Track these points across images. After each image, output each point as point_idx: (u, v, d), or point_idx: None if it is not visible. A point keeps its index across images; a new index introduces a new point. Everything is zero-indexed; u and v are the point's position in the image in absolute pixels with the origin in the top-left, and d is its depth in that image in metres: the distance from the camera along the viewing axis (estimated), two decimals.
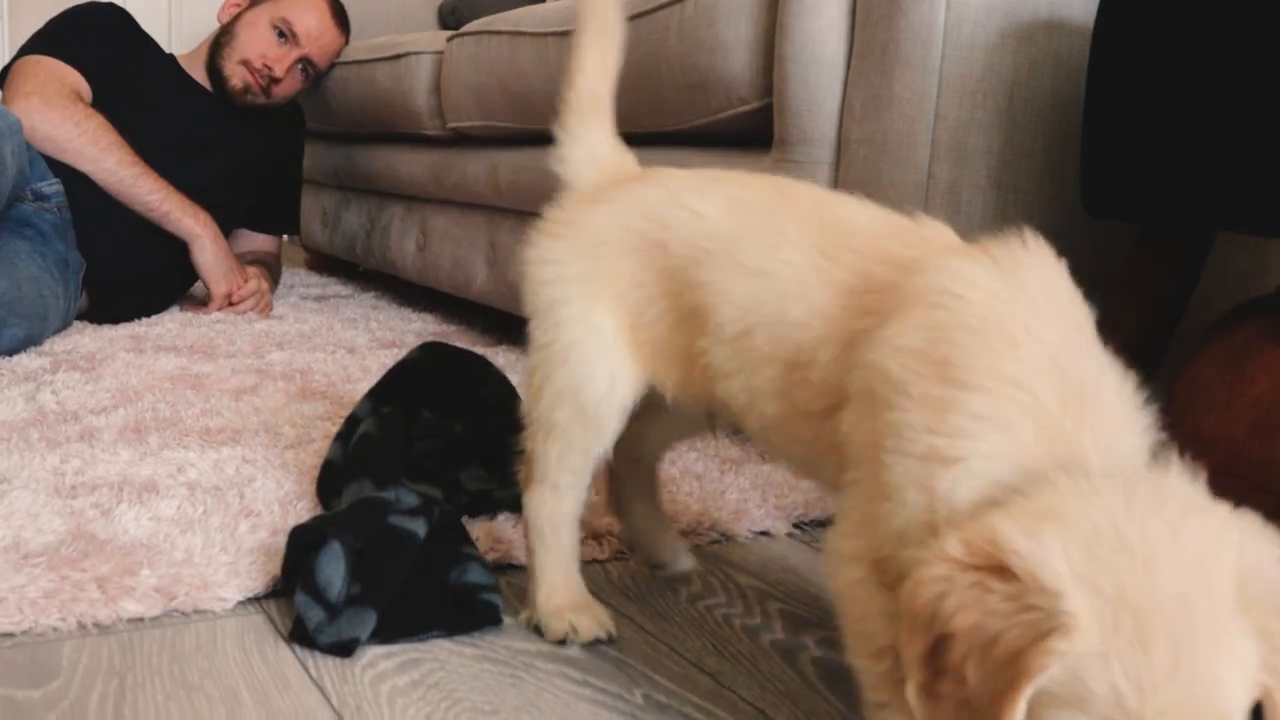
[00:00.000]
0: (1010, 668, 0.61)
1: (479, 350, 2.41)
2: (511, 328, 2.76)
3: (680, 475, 1.55)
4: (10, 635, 1.06)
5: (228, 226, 2.85)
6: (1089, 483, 0.66)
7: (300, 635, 1.06)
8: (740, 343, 0.90)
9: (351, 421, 1.43)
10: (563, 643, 1.07)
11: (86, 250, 2.44)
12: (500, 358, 2.38)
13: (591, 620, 1.07)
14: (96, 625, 1.08)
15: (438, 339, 2.55)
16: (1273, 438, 0.95)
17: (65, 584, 1.11)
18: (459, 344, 2.43)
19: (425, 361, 1.52)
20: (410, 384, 1.48)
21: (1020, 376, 0.71)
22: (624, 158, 1.13)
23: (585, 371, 1.00)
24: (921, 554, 0.67)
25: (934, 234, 0.87)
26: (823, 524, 1.46)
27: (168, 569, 1.16)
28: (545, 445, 1.04)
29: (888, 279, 0.82)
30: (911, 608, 0.66)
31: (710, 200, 0.97)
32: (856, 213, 0.91)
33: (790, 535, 1.43)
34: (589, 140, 1.12)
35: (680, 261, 0.96)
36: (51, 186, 2.38)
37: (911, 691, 0.66)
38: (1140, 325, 1.25)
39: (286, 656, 1.05)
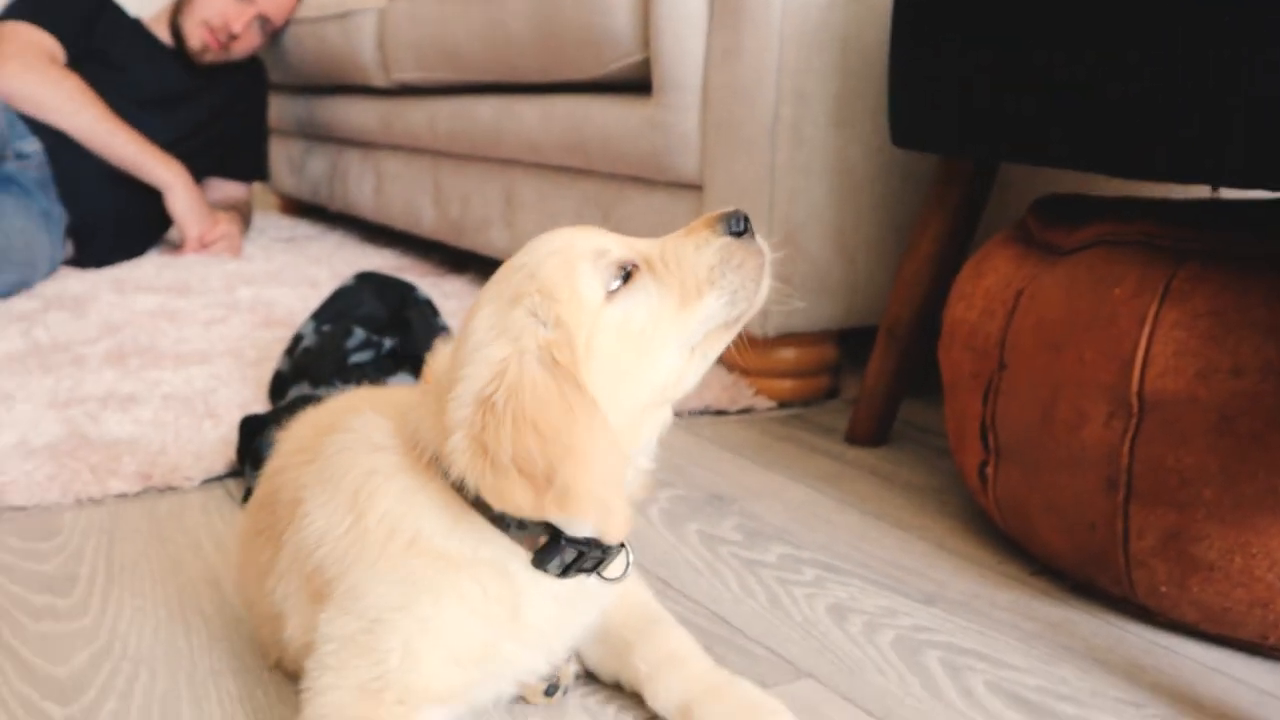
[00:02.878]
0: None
1: (429, 280, 2.69)
2: (457, 260, 3.02)
3: None
4: (23, 508, 1.34)
5: (199, 175, 3.10)
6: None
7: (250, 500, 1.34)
8: None
9: (296, 339, 1.70)
10: None
11: (68, 202, 2.69)
12: (446, 285, 2.65)
13: None
14: (90, 499, 1.37)
15: (386, 271, 2.82)
16: (993, 317, 1.22)
17: (63, 470, 1.39)
18: (412, 276, 2.70)
19: (359, 287, 1.79)
20: (346, 306, 1.74)
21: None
22: None
23: None
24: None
25: None
26: (696, 413, 1.74)
27: (146, 457, 1.44)
28: None
29: None
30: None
31: None
32: None
33: None
34: None
35: None
36: (31, 146, 2.63)
37: (542, 508, 0.77)
38: (939, 240, 1.52)
39: (240, 517, 1.33)
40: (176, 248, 3.04)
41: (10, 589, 1.13)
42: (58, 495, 1.35)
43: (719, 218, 0.85)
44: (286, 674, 0.97)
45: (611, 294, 0.81)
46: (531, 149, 2.25)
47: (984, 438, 1.22)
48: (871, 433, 1.62)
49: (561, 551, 0.83)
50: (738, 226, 0.84)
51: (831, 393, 1.85)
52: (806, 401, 1.81)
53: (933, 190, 1.55)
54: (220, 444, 1.49)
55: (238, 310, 2.32)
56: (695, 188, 1.84)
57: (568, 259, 0.81)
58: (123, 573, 1.17)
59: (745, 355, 1.82)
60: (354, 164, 3.26)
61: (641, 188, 1.98)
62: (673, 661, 0.90)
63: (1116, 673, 1.02)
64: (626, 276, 0.82)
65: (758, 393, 1.79)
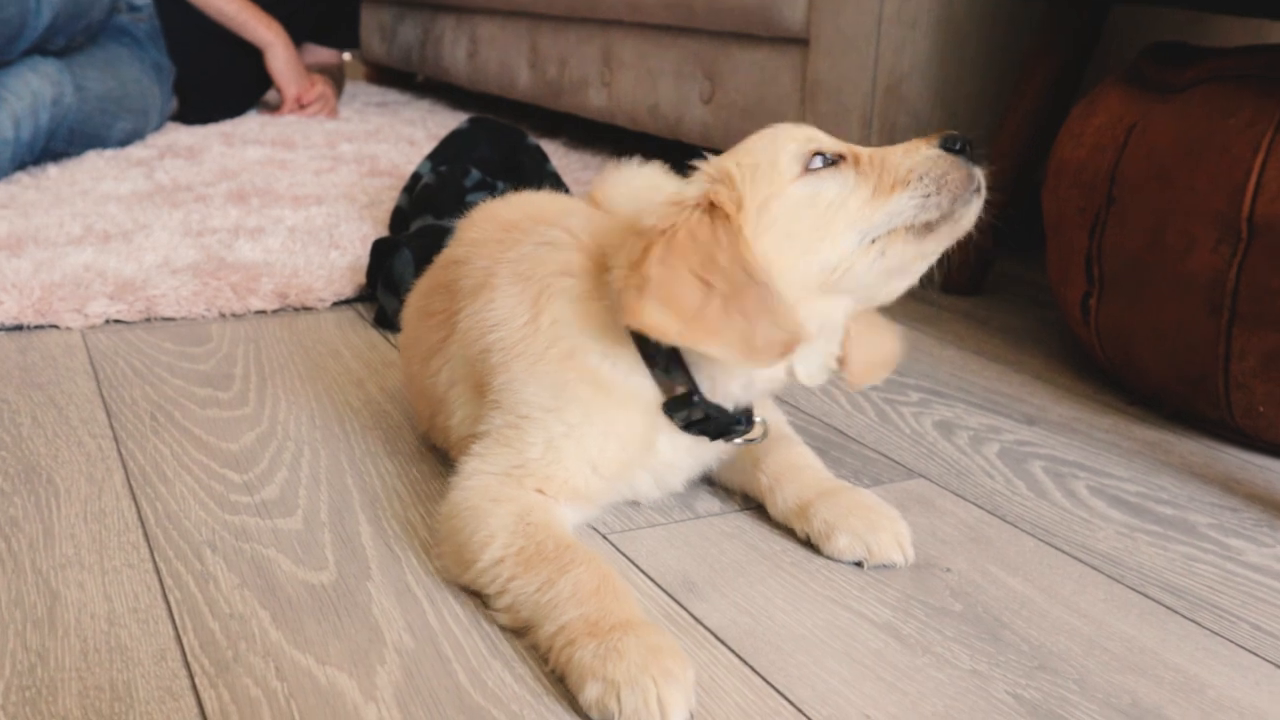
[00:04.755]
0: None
1: None
2: (552, 123, 3.06)
3: None
4: (173, 319, 1.44)
5: (295, 40, 3.15)
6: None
7: (382, 320, 1.43)
8: None
9: (415, 178, 1.77)
10: None
11: (174, 57, 2.76)
12: (543, 147, 2.70)
13: None
14: (233, 314, 1.46)
15: None
16: (1103, 152, 1.26)
17: (207, 288, 1.48)
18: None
19: (474, 131, 1.85)
20: (462, 148, 1.81)
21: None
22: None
23: None
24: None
25: None
26: None
27: (281, 279, 1.53)
28: None
29: None
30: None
31: None
32: None
33: None
34: None
35: None
36: None
37: (690, 337, 0.82)
38: (1042, 92, 1.55)
39: (373, 334, 1.41)
40: (274, 109, 3.12)
41: (173, 382, 1.23)
42: (203, 309, 1.45)
43: (939, 133, 0.88)
44: (437, 451, 1.05)
45: (809, 171, 0.86)
46: (633, 8, 2.28)
47: (1089, 270, 1.26)
48: (967, 282, 1.67)
49: (690, 408, 0.89)
50: (953, 144, 0.86)
51: None
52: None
53: (1037, 40, 1.57)
54: (348, 270, 1.58)
55: (343, 162, 2.40)
56: (800, 42, 1.86)
57: (775, 139, 0.88)
58: (273, 373, 1.27)
59: None
60: (448, 29, 3.30)
61: (745, 44, 2.01)
62: (792, 470, 0.96)
63: (1213, 484, 1.07)
64: (831, 165, 0.86)
65: None
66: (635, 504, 0.98)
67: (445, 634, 0.78)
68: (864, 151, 0.89)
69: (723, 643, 0.78)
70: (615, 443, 0.89)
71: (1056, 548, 0.93)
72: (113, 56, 2.49)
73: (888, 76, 1.73)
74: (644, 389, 0.89)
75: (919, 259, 0.90)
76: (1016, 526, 0.97)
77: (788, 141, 0.87)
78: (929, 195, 0.85)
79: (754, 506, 0.98)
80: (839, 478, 1.04)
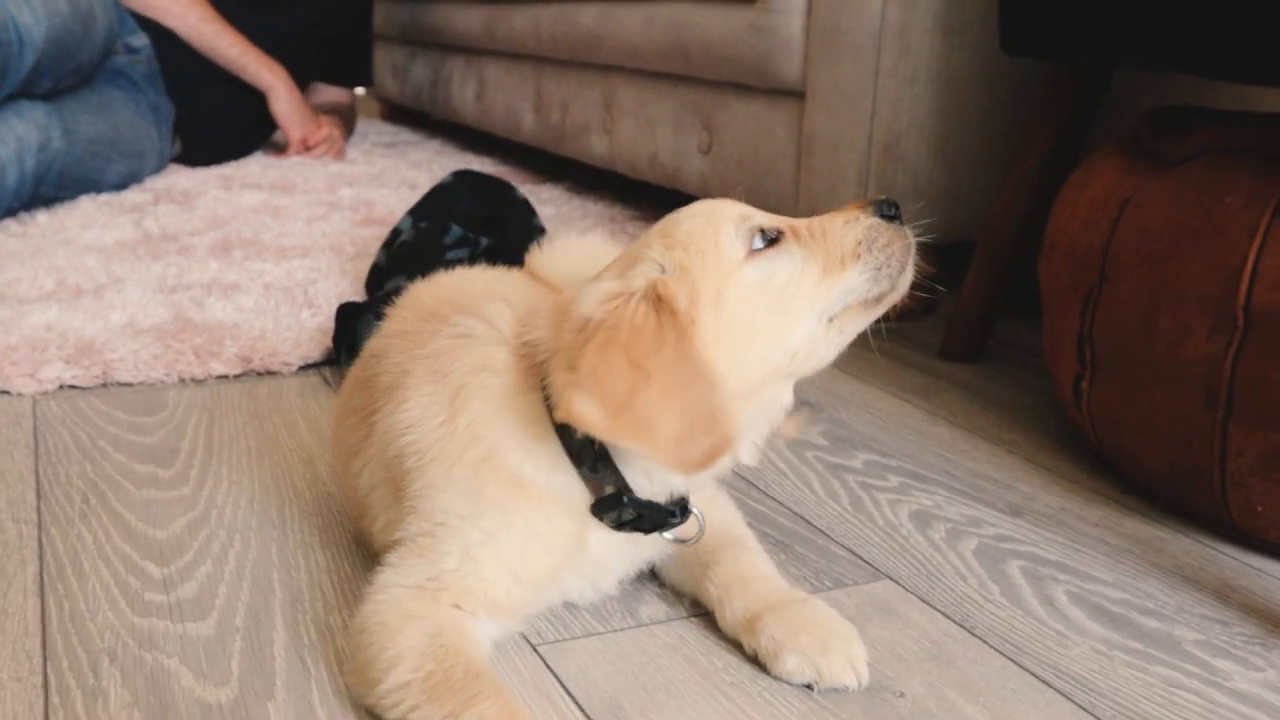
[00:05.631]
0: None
1: (526, 187, 2.70)
2: (555, 168, 3.02)
3: None
4: (129, 385, 1.39)
5: (303, 79, 3.14)
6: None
7: None
8: None
9: (394, 233, 1.72)
10: None
11: (175, 98, 2.74)
12: (543, 192, 2.66)
13: None
14: (192, 379, 1.41)
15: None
16: (1096, 227, 1.19)
17: (169, 351, 1.44)
18: (512, 182, 2.72)
19: (457, 185, 1.80)
20: (444, 203, 1.76)
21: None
22: None
23: None
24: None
25: None
26: None
27: (246, 342, 1.48)
28: None
29: None
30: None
31: None
32: None
33: None
34: None
35: None
36: (140, 40, 2.68)
37: (619, 432, 0.76)
38: (1044, 153, 1.48)
39: (334, 403, 1.36)
40: (281, 150, 3.09)
41: (115, 457, 1.18)
42: (162, 374, 1.40)
43: (870, 201, 0.86)
44: (370, 552, 1.00)
45: (754, 253, 0.81)
46: (631, 54, 2.23)
47: (1080, 351, 1.19)
48: (965, 349, 1.60)
49: (621, 508, 0.83)
50: (889, 211, 0.85)
51: (928, 308, 1.82)
52: (902, 316, 1.78)
53: (1040, 101, 1.50)
54: (317, 332, 1.53)
55: (338, 208, 2.36)
56: (797, 95, 1.80)
57: (712, 219, 0.82)
58: (221, 448, 1.21)
59: None
60: (457, 70, 3.27)
61: (742, 95, 1.95)
62: (741, 582, 0.89)
63: (1205, 591, 0.99)
64: (772, 243, 0.82)
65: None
66: (574, 607, 0.92)
67: None
68: (800, 224, 0.84)
69: None
70: (539, 548, 0.83)
71: (1025, 668, 0.86)
72: (106, 99, 2.47)
73: (885, 134, 1.66)
74: (570, 488, 0.83)
75: (862, 327, 0.87)
76: (985, 641, 0.90)
77: (724, 221, 0.82)
78: (879, 268, 0.83)
79: (703, 613, 0.91)
80: (799, 577, 0.98)
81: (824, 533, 1.08)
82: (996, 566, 1.02)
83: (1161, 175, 1.13)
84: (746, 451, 0.86)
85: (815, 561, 1.02)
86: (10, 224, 2.12)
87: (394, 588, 0.81)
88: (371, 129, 3.80)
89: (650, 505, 0.84)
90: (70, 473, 1.14)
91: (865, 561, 1.02)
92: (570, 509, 0.83)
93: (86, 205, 2.31)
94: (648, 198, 2.59)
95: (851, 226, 0.83)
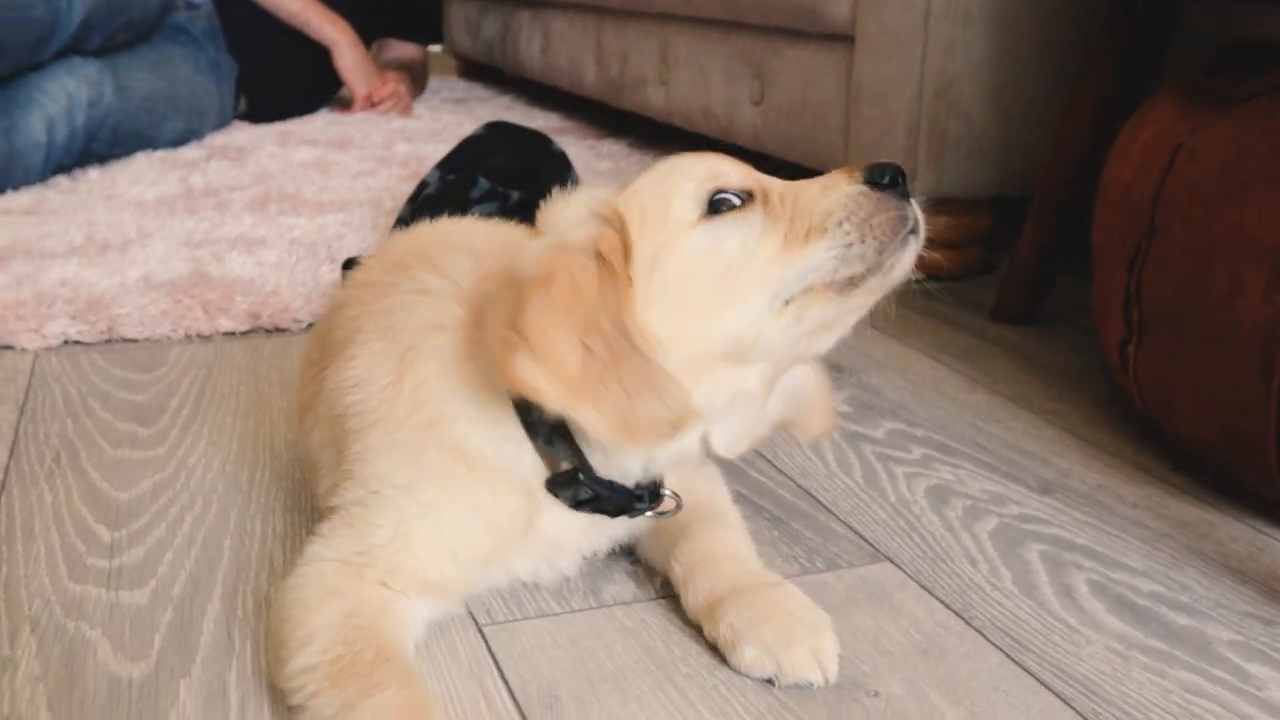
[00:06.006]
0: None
1: (587, 142, 2.62)
2: (619, 123, 2.93)
3: None
4: (135, 340, 1.35)
5: (372, 35, 3.10)
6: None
7: None
8: None
9: (421, 186, 1.66)
10: None
11: (239, 55, 2.72)
12: (603, 147, 2.58)
13: None
14: (198, 336, 1.37)
15: (547, 131, 2.77)
16: (1148, 174, 1.06)
17: (178, 306, 1.40)
18: (572, 138, 2.65)
19: (489, 136, 1.73)
20: (473, 156, 1.69)
21: None
22: None
23: None
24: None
25: None
26: None
27: (258, 298, 1.43)
28: None
29: None
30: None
31: None
32: None
33: None
34: None
35: None
36: None
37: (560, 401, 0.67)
38: (1102, 92, 1.35)
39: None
40: (348, 106, 3.06)
41: (101, 415, 1.14)
42: (168, 330, 1.36)
43: (864, 164, 0.72)
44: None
45: (707, 217, 0.71)
46: (685, 0, 2.13)
47: (1127, 311, 1.08)
48: (1019, 309, 1.48)
49: (577, 486, 0.75)
50: (880, 176, 0.71)
51: (986, 267, 1.70)
52: (957, 275, 1.67)
53: (1097, 36, 1.37)
54: (331, 288, 1.48)
55: (389, 164, 2.31)
56: (847, 39, 1.69)
57: (670, 174, 0.74)
58: (210, 406, 1.17)
59: None
60: (524, 24, 3.20)
61: (793, 41, 1.84)
62: (708, 561, 0.80)
63: (1251, 584, 0.88)
64: (737, 210, 0.72)
65: None
66: (533, 585, 0.84)
67: None
68: (776, 187, 0.73)
69: None
70: (480, 525, 0.75)
71: (1024, 667, 0.76)
72: (164, 55, 2.45)
73: (937, 79, 1.54)
74: (520, 463, 0.76)
75: (845, 315, 0.74)
76: (983, 635, 0.80)
77: (684, 179, 0.73)
78: (850, 245, 0.70)
79: (674, 594, 0.83)
80: (789, 557, 0.90)
81: (827, 508, 0.99)
82: (1013, 550, 0.92)
83: (1220, 118, 1.01)
84: (720, 441, 0.77)
85: (810, 540, 0.93)
86: (61, 180, 2.12)
87: (320, 561, 0.75)
88: (445, 85, 3.75)
89: (611, 486, 0.76)
90: (50, 430, 1.10)
91: (866, 541, 0.93)
92: (519, 485, 0.76)
93: (140, 162, 2.30)
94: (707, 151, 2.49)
95: (827, 194, 0.71)
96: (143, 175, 2.16)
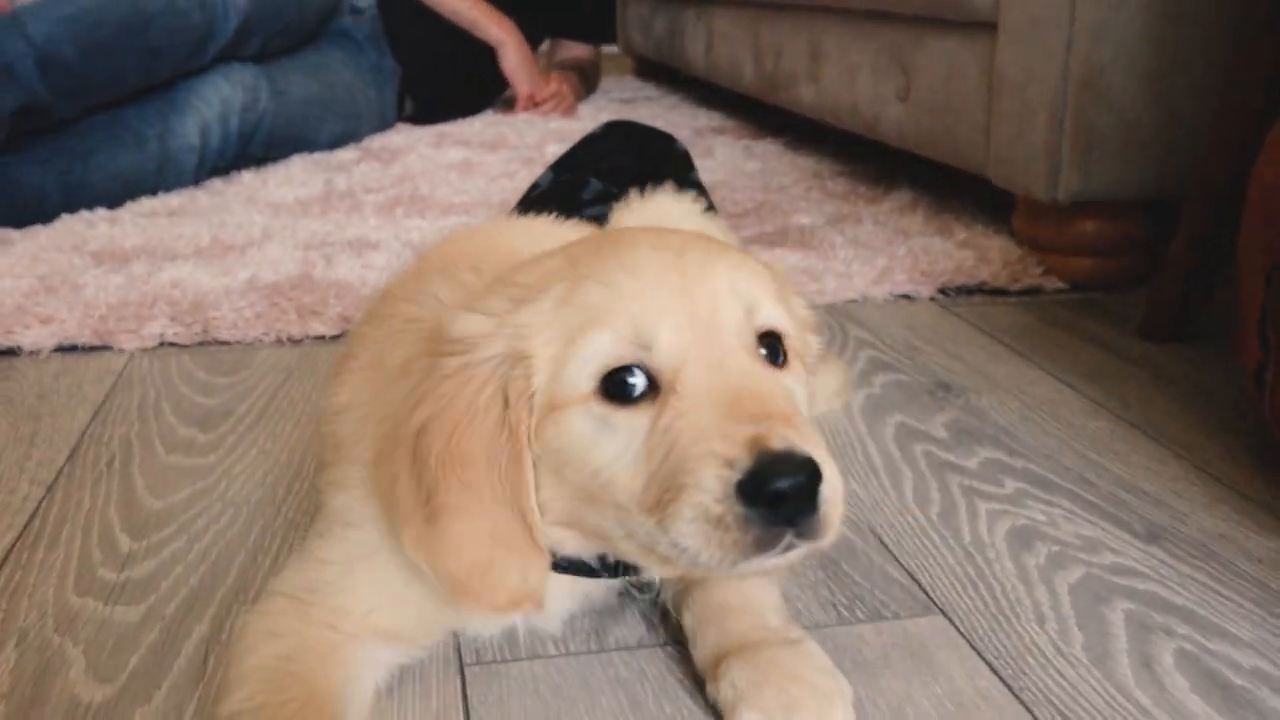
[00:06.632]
0: (499, 426, 0.62)
1: (743, 142, 2.54)
2: (778, 123, 2.83)
3: (845, 243, 1.63)
4: (227, 343, 1.36)
5: (541, 34, 3.09)
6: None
7: None
8: None
9: (533, 187, 1.61)
10: None
11: (401, 58, 2.75)
12: (758, 147, 2.49)
13: None
14: (289, 339, 1.36)
15: (707, 131, 2.70)
16: None
17: (273, 309, 1.40)
18: (727, 138, 2.57)
19: (607, 136, 1.67)
20: (589, 156, 1.63)
21: None
22: None
23: None
24: None
25: None
26: (969, 290, 1.50)
27: (353, 300, 1.42)
28: None
29: None
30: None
31: None
32: None
33: (932, 299, 1.49)
34: None
35: None
36: (364, 0, 2.70)
37: (410, 543, 0.62)
38: (1269, 82, 1.18)
39: None
40: (511, 106, 3.06)
41: (168, 419, 1.14)
42: (261, 332, 1.36)
43: (756, 450, 0.56)
44: None
45: (600, 396, 0.60)
46: None
47: (1263, 332, 0.93)
48: (1169, 325, 1.32)
49: None
50: (758, 492, 0.56)
51: (1142, 277, 1.53)
52: (1108, 285, 1.51)
53: (1264, 15, 1.20)
54: None
55: (534, 165, 2.28)
56: (989, 26, 1.55)
57: (597, 313, 0.61)
58: (275, 414, 1.15)
59: (1035, 226, 1.54)
60: (690, 22, 3.13)
61: (937, 32, 1.71)
62: (721, 612, 0.71)
63: None
64: (640, 399, 0.60)
65: (1046, 271, 1.51)
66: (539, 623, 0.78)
67: None
68: (690, 381, 0.60)
69: None
70: (422, 580, 0.69)
71: None
72: (323, 60, 2.50)
73: (1083, 66, 1.39)
74: None
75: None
76: (1030, 710, 0.69)
77: (603, 325, 0.60)
78: (695, 553, 0.58)
79: (686, 638, 0.75)
80: (827, 604, 0.80)
81: (888, 548, 0.88)
82: (1094, 608, 0.79)
83: None
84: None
85: (857, 585, 0.83)
86: (215, 182, 2.18)
87: (275, 596, 0.70)
88: (617, 85, 3.73)
89: (573, 562, 0.69)
90: (114, 433, 1.10)
91: (922, 589, 0.82)
92: None
93: (295, 164, 2.34)
94: (858, 152, 2.37)
95: (702, 466, 0.57)
96: (293, 177, 2.20)
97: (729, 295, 0.62)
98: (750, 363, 0.61)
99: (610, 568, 0.69)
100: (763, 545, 0.57)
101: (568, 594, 0.73)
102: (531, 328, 0.62)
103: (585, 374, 0.60)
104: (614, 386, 0.60)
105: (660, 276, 0.61)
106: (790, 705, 0.64)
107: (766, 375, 0.62)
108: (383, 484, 0.65)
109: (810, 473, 0.56)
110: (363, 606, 0.68)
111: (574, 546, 0.66)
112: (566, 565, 0.68)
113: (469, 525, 0.61)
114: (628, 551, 0.64)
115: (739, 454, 0.56)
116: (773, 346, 0.64)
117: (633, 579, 0.72)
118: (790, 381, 0.65)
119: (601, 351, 0.60)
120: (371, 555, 0.68)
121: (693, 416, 0.58)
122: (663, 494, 0.58)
